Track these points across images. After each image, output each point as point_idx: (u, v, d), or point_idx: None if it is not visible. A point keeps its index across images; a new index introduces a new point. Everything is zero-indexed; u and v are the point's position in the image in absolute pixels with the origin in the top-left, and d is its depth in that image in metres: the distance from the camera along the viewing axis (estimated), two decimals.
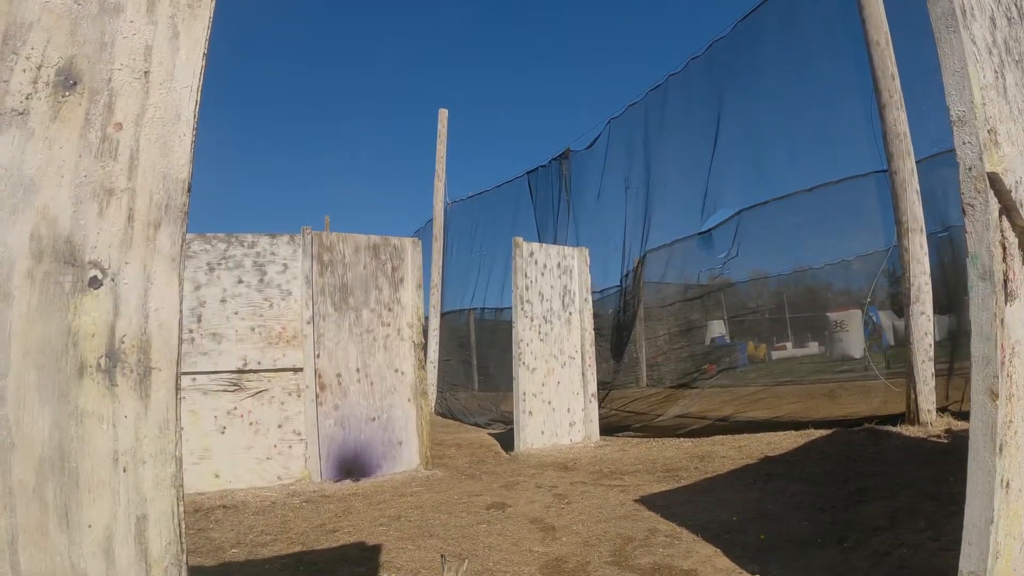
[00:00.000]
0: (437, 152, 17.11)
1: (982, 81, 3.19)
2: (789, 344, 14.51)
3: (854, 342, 13.97)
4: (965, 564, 3.26)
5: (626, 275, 14.39)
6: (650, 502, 6.95)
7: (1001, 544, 3.31)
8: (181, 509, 1.78)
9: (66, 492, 1.63)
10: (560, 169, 15.80)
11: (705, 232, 12.64)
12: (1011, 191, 3.25)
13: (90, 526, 1.65)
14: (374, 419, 8.70)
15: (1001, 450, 3.17)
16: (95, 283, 1.77)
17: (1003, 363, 3.16)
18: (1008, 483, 3.31)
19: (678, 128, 13.51)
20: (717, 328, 13.58)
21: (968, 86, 3.09)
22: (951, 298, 9.52)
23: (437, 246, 17.35)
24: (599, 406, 12.12)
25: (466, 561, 3.30)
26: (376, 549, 5.67)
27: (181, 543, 1.77)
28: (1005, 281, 3.24)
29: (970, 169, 3.16)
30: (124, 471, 1.72)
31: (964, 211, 3.20)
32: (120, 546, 1.70)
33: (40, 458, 1.61)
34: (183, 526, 1.78)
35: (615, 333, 14.64)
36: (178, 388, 1.83)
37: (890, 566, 4.70)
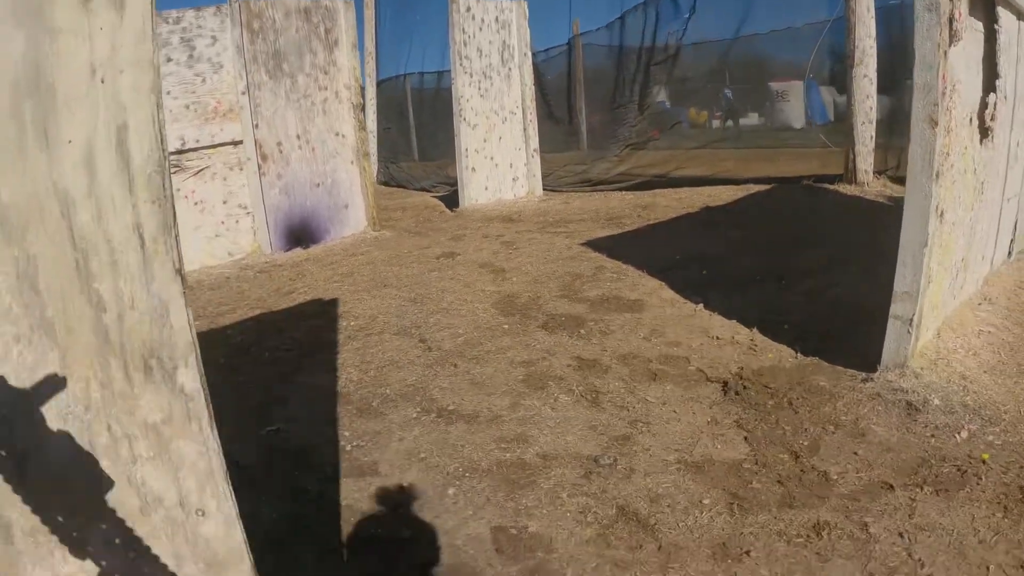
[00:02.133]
0: None
1: None
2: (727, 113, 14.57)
3: (795, 113, 14.15)
4: (899, 285, 3.59)
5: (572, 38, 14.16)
6: (595, 245, 7.27)
7: (933, 271, 3.64)
8: (161, 117, 1.75)
9: (43, 109, 1.57)
10: None
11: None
12: None
13: (70, 141, 1.61)
14: (318, 184, 8.66)
15: (938, 178, 3.42)
16: None
17: (944, 93, 3.36)
18: (943, 213, 3.60)
19: None
20: (657, 93, 13.55)
21: None
22: (893, 78, 9.67)
23: (369, 13, 16.59)
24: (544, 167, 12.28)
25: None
26: (333, 303, 5.88)
27: (163, 150, 1.75)
28: (951, 20, 3.39)
29: None
30: (102, 82, 1.65)
31: None
32: (101, 158, 1.66)
33: (15, 79, 1.52)
34: (164, 134, 1.75)
35: (562, 94, 14.54)
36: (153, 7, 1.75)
37: (824, 303, 5.12)
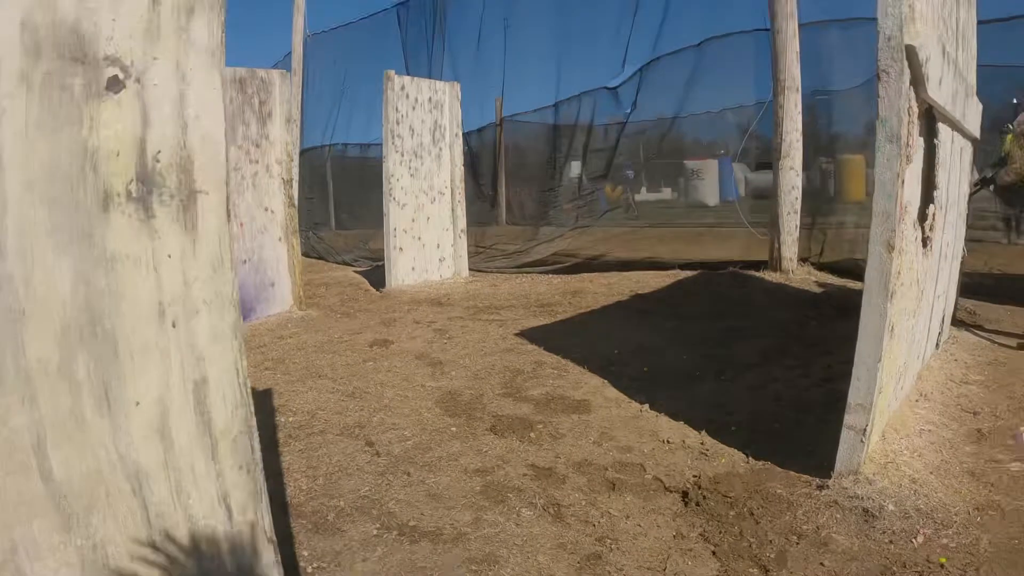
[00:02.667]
0: None
1: None
2: (644, 188, 14.91)
3: (709, 190, 14.57)
4: (853, 397, 3.64)
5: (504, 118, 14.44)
6: (531, 336, 7.23)
7: (883, 381, 3.70)
8: (245, 364, 1.52)
9: (102, 364, 1.28)
10: (434, 2, 15.29)
11: (613, 88, 12.73)
12: (922, 65, 3.48)
13: (137, 403, 1.33)
14: (245, 261, 8.45)
15: (892, 297, 3.50)
16: (115, 85, 1.37)
17: (900, 219, 3.46)
18: (893, 328, 3.68)
19: None
20: (575, 169, 13.78)
21: None
22: (809, 158, 10.04)
23: (296, 80, 16.50)
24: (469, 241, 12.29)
25: None
26: (268, 394, 5.68)
27: (249, 406, 1.53)
28: (907, 146, 3.52)
29: (889, 39, 3.35)
30: (173, 326, 1.38)
31: (879, 77, 3.41)
32: (177, 422, 1.39)
33: (63, 325, 1.24)
34: (248, 385, 1.51)
35: (490, 172, 14.72)
36: (230, 216, 1.50)
37: (768, 398, 5.17)
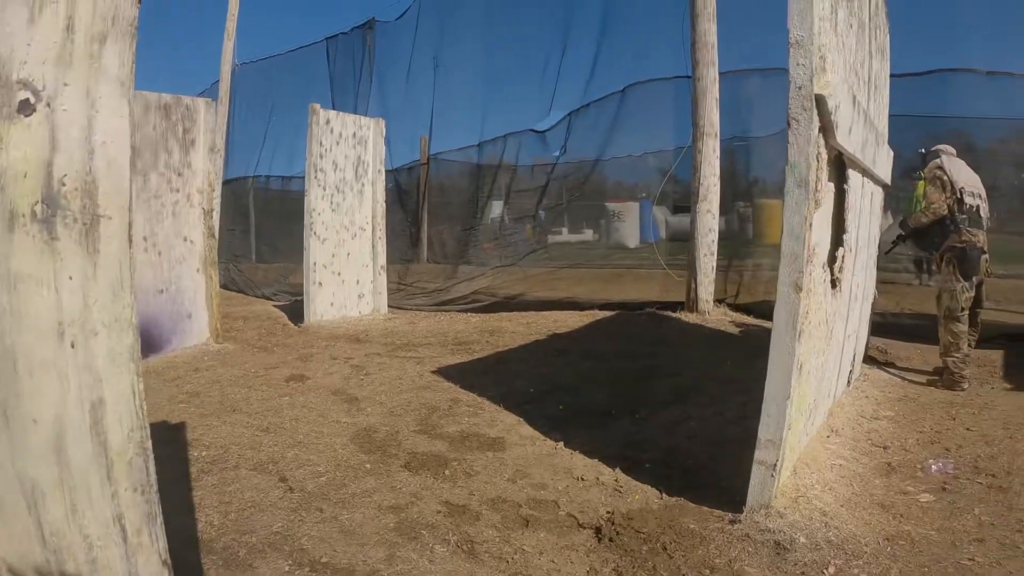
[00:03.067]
0: (229, 8, 15.92)
1: (821, 12, 3.49)
2: (565, 229, 15.03)
3: (630, 232, 14.76)
4: (763, 433, 3.70)
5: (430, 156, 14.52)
6: (447, 373, 7.20)
7: (793, 418, 3.78)
8: (141, 387, 1.50)
9: (1, 381, 1.31)
10: (364, 39, 15.33)
11: (540, 132, 12.91)
12: (831, 113, 3.61)
13: (35, 421, 1.33)
14: (162, 291, 8.28)
15: (800, 337, 3.59)
16: (26, 108, 1.40)
17: (808, 260, 3.56)
18: (802, 366, 3.76)
19: (495, 14, 13.66)
20: (497, 209, 13.85)
21: (811, 14, 3.36)
22: (727, 202, 10.31)
23: (222, 110, 16.24)
24: (389, 279, 12.23)
25: None
26: (181, 427, 5.55)
27: (144, 429, 1.49)
28: (815, 190, 3.63)
29: (800, 88, 3.47)
30: (72, 347, 1.39)
31: (789, 124, 3.52)
32: (74, 441, 1.38)
33: None
34: (145, 408, 1.48)
35: (414, 210, 14.73)
36: (131, 240, 1.51)
37: (681, 436, 5.22)
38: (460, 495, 4.30)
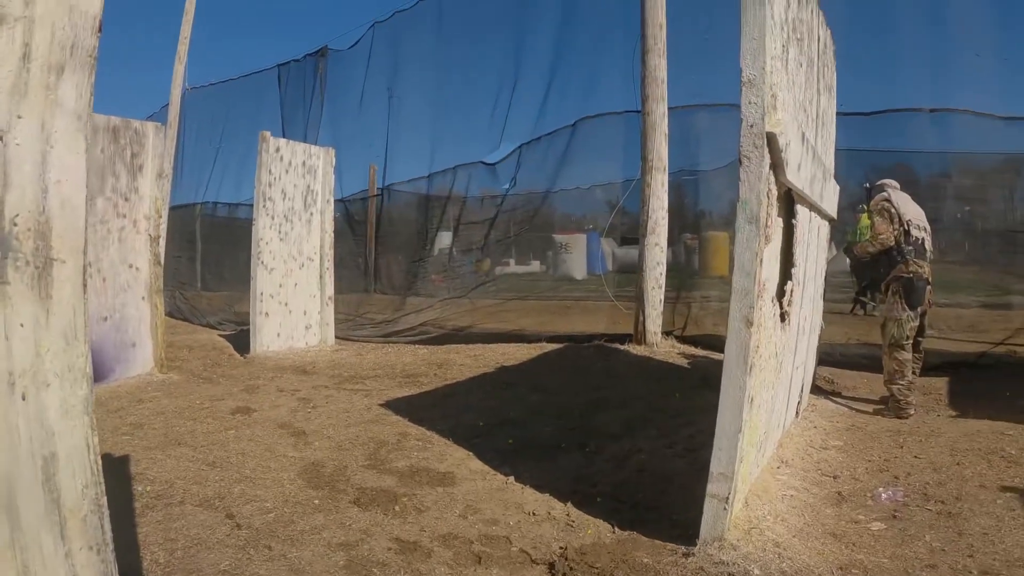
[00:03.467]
0: (181, 32, 15.70)
1: (773, 51, 3.55)
2: (512, 261, 15.05)
3: (577, 264, 14.83)
4: (716, 466, 3.71)
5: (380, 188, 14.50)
6: (396, 406, 7.12)
7: (745, 450, 3.79)
8: (96, 441, 1.46)
9: None
10: (316, 67, 15.28)
11: (490, 164, 12.94)
12: (782, 151, 3.66)
13: None
14: (106, 319, 8.10)
15: (751, 371, 3.61)
16: None
17: (759, 296, 3.59)
18: (753, 399, 3.79)
19: (446, 46, 13.75)
20: (446, 240, 13.84)
21: (763, 53, 3.42)
22: (675, 233, 10.43)
23: (171, 134, 16.00)
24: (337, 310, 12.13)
25: None
26: (124, 460, 5.39)
27: (100, 484, 1.47)
28: (766, 226, 3.67)
29: (752, 126, 3.52)
30: (23, 399, 1.32)
31: (741, 162, 3.56)
32: (25, 499, 1.32)
33: None
34: (99, 463, 1.45)
35: (363, 240, 14.67)
36: (85, 286, 1.45)
37: (632, 469, 5.21)
38: (411, 531, 4.24)
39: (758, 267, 3.58)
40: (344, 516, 4.44)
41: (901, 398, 6.51)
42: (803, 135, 4.40)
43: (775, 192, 3.87)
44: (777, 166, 3.76)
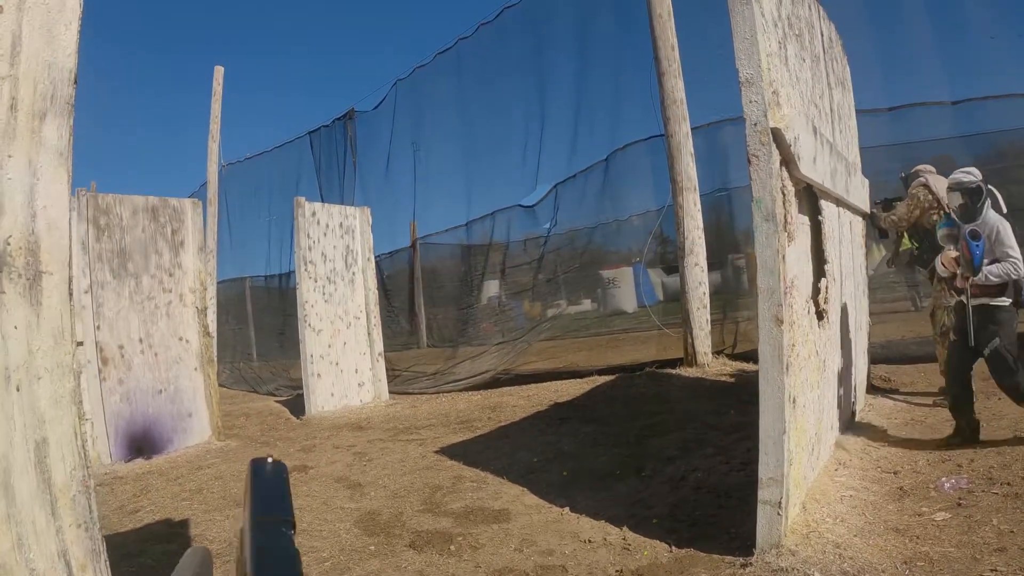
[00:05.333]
0: (212, 111, 16.10)
1: (768, 49, 3.54)
2: (564, 302, 14.99)
3: (626, 297, 14.72)
4: (764, 471, 3.64)
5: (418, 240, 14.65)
6: (450, 452, 7.11)
7: (793, 452, 3.72)
8: (83, 430, 1.61)
9: None
10: (345, 130, 15.58)
11: (528, 207, 13.00)
12: (791, 145, 3.64)
13: None
14: (161, 391, 8.29)
15: (788, 369, 3.55)
16: None
17: (786, 293, 3.55)
18: (795, 399, 3.72)
19: (470, 96, 13.94)
20: (493, 288, 13.85)
21: (756, 51, 3.42)
22: (718, 257, 10.35)
23: (212, 211, 16.34)
24: (390, 367, 12.18)
25: None
26: (184, 524, 5.48)
27: (87, 468, 1.60)
28: (785, 223, 3.64)
29: (755, 124, 3.50)
30: (18, 390, 1.50)
31: (749, 161, 3.55)
32: (19, 478, 1.48)
33: None
34: (87, 449, 1.62)
35: (406, 295, 14.78)
36: (71, 294, 1.67)
37: (688, 488, 5.14)
38: (466, 568, 4.22)
39: (781, 264, 3.55)
40: (399, 559, 4.44)
41: None
42: (815, 129, 4.36)
43: (791, 188, 3.84)
44: (789, 161, 3.73)
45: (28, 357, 1.54)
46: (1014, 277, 4.94)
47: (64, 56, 1.76)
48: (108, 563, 1.60)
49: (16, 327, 1.53)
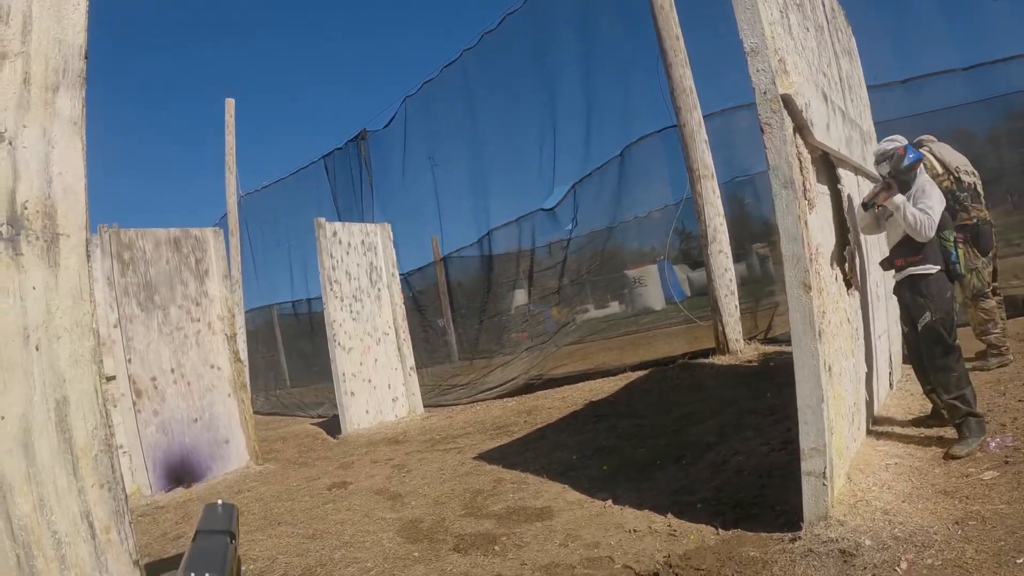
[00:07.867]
0: (226, 143, 16.29)
1: (770, 17, 3.52)
2: (591, 306, 14.92)
3: (653, 295, 14.63)
4: (805, 442, 3.60)
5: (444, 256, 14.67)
6: (488, 457, 7.11)
7: (834, 422, 3.67)
8: (104, 388, 1.63)
9: None
10: (359, 150, 15.66)
11: (548, 209, 12.97)
12: (802, 111, 3.60)
13: (2, 417, 1.46)
14: (196, 420, 8.34)
15: (821, 336, 3.51)
16: None
17: (812, 259, 3.50)
18: (831, 367, 3.67)
19: (479, 105, 13.94)
20: (521, 297, 13.82)
21: (759, 20, 3.40)
22: (743, 246, 10.29)
23: (233, 241, 16.46)
24: (423, 381, 12.18)
25: None
26: None
27: (109, 427, 1.61)
28: (804, 190, 3.60)
29: (765, 92, 3.48)
30: (37, 349, 1.54)
31: (762, 130, 3.52)
32: (40, 437, 1.50)
33: None
34: (108, 409, 1.61)
35: (435, 309, 14.80)
36: (89, 256, 1.73)
37: (730, 472, 5.09)
38: (511, 567, 4.19)
39: (803, 230, 3.51)
40: (444, 563, 4.42)
41: (1000, 344, 6.25)
42: (825, 96, 4.32)
43: (807, 155, 3.80)
44: (802, 128, 3.70)
45: (47, 317, 1.58)
46: (921, 232, 4.65)
47: (74, 33, 1.84)
48: (132, 524, 1.61)
49: (35, 287, 1.58)
